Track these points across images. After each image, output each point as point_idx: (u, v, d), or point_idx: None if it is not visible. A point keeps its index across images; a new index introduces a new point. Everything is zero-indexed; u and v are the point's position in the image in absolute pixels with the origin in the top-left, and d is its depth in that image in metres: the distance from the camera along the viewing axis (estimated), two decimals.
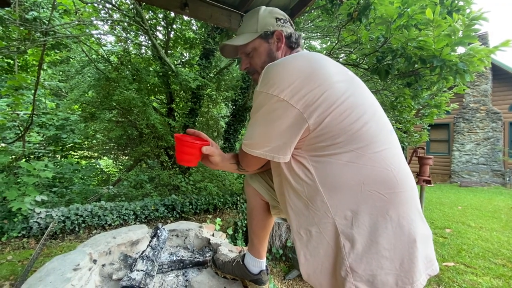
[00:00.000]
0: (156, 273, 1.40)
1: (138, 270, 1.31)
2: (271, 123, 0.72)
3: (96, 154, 7.01)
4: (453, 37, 2.36)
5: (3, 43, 3.83)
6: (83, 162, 7.01)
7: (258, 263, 1.14)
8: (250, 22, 0.93)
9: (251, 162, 0.87)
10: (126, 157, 6.81)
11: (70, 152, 6.74)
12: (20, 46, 3.84)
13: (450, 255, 3.01)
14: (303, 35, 6.20)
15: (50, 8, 4.15)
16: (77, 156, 7.01)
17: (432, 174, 10.22)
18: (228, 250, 1.56)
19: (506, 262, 2.87)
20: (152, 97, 6.48)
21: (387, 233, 0.65)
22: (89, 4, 5.10)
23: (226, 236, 1.99)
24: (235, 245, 2.31)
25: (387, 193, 0.67)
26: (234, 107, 6.21)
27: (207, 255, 1.67)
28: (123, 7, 5.38)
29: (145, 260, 1.37)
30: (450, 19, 2.32)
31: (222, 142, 6.64)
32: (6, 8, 3.64)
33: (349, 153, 0.68)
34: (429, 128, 5.31)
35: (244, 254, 1.20)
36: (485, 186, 8.63)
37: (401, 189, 0.68)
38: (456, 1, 2.88)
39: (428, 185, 3.05)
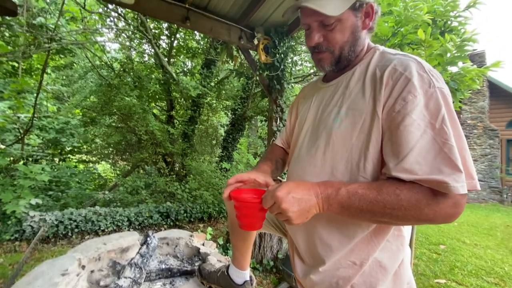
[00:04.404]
0: (144, 281, 1.41)
1: (125, 277, 1.32)
2: (461, 131, 0.59)
3: (94, 159, 7.03)
4: (444, 57, 2.44)
5: (9, 47, 3.92)
6: (81, 166, 7.03)
7: (241, 274, 1.16)
8: None
9: (465, 200, 0.55)
10: (124, 163, 6.83)
11: (69, 155, 6.77)
12: (26, 51, 3.93)
13: (443, 272, 2.99)
14: (304, 48, 6.33)
15: (57, 15, 4.27)
16: (75, 160, 7.03)
17: None
18: (216, 260, 1.57)
19: (499, 280, 2.85)
20: (153, 104, 6.56)
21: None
22: (95, 12, 5.24)
23: (217, 246, 2.00)
24: (226, 255, 2.31)
25: None
26: (233, 116, 6.28)
27: (196, 264, 1.68)
28: (128, 15, 5.52)
29: (133, 268, 1.39)
30: (442, 39, 2.40)
31: (220, 150, 6.68)
32: None
33: None
34: None
35: (229, 265, 1.22)
36: (482, 202, 8.61)
37: None
38: (449, 22, 2.98)
39: None
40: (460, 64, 2.58)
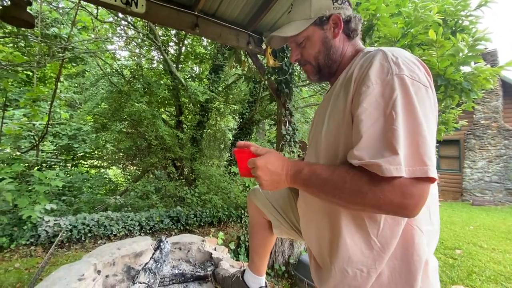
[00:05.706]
0: (158, 286, 1.42)
1: (140, 283, 1.33)
2: (428, 119, 0.56)
3: (105, 164, 7.16)
4: (457, 57, 2.39)
5: (25, 57, 4.05)
6: (93, 171, 7.17)
7: (257, 280, 1.15)
8: (301, 7, 0.80)
9: (423, 192, 0.53)
10: (134, 168, 6.93)
11: (81, 161, 6.91)
12: (40, 61, 4.05)
13: (460, 278, 2.90)
14: None
15: (70, 25, 4.41)
16: (87, 165, 7.18)
17: (443, 191, 9.95)
18: (229, 265, 1.57)
19: None
20: (162, 110, 6.66)
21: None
22: (106, 22, 5.38)
23: (228, 250, 1.99)
24: (237, 260, 2.30)
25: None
26: (241, 120, 6.31)
27: (209, 269, 1.68)
28: (137, 24, 5.65)
29: (147, 273, 1.40)
30: (454, 39, 2.36)
31: (229, 154, 6.70)
32: None
33: None
34: (438, 145, 5.24)
35: (244, 270, 1.21)
36: (498, 205, 8.33)
37: None
38: (460, 22, 2.92)
39: None
40: (472, 64, 2.53)
